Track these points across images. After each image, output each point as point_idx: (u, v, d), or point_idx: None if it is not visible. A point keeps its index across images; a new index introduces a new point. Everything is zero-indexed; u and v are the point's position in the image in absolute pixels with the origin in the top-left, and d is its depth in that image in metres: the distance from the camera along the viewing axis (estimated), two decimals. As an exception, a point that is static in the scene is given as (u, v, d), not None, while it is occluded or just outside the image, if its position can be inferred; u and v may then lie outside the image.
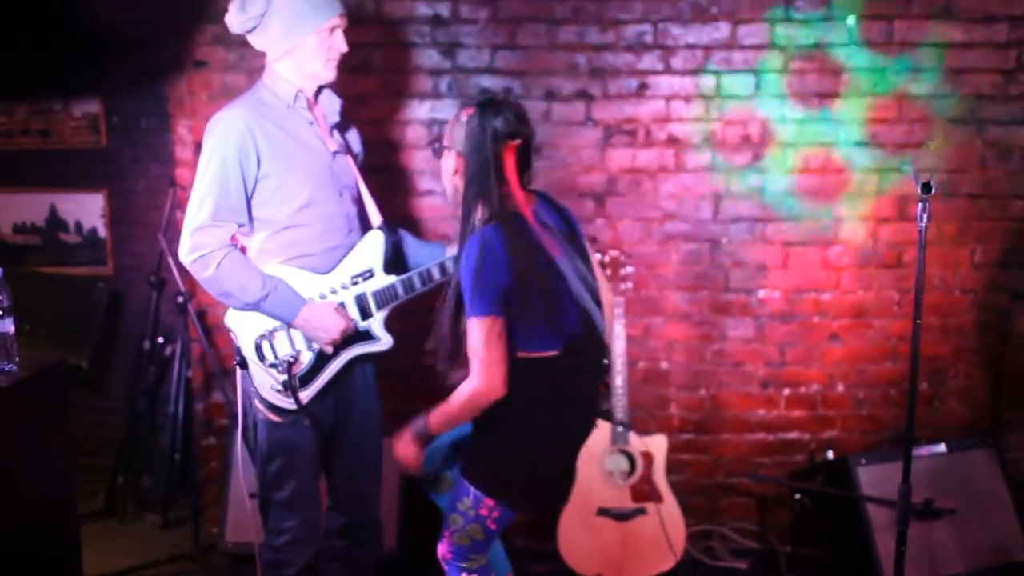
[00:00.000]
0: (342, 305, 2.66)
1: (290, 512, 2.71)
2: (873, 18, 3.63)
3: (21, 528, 2.68)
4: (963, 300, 3.82)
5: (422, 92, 3.72)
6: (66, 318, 4.01)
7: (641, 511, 3.46)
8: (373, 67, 3.69)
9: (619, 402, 3.48)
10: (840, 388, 3.87)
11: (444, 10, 3.66)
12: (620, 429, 3.46)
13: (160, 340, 4.07)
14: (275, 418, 2.64)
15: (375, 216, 2.76)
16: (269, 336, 2.60)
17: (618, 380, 3.47)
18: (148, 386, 4.11)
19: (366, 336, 2.70)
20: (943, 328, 3.83)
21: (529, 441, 2.45)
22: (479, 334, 2.29)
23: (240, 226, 2.60)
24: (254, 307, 2.56)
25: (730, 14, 3.64)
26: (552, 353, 2.38)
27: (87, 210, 4.15)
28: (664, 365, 3.87)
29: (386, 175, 3.71)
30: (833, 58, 3.66)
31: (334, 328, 2.59)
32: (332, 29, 2.58)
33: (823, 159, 3.73)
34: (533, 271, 2.32)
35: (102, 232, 4.15)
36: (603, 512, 3.46)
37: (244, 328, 2.62)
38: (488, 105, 2.39)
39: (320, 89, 2.69)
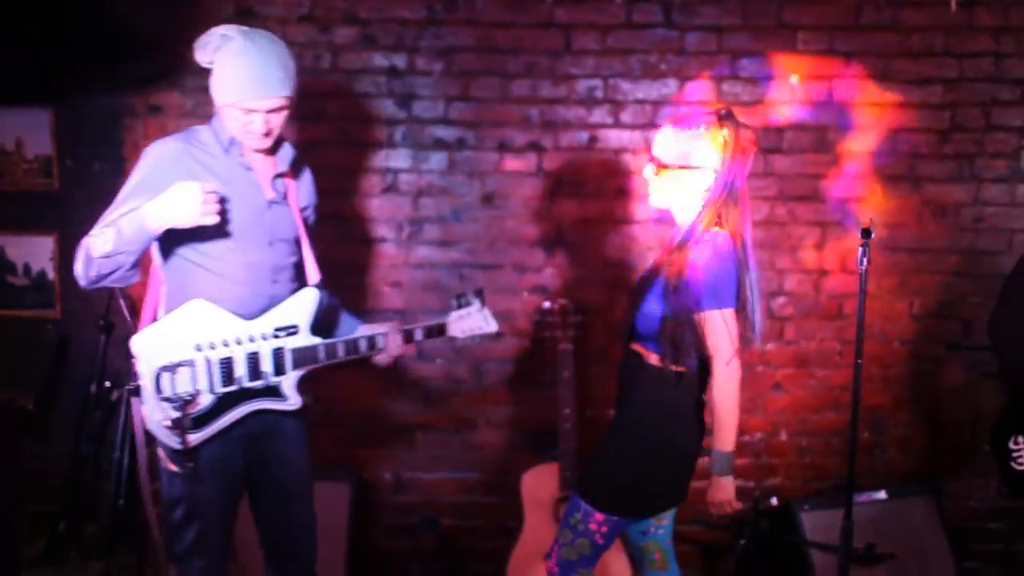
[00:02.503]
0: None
1: (193, 560, 2.56)
2: (814, 78, 3.77)
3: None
4: (902, 351, 3.93)
5: (377, 141, 3.78)
6: (12, 360, 3.97)
7: (589, 558, 3.47)
8: (327, 116, 3.75)
9: (569, 450, 3.52)
10: (783, 436, 3.94)
11: (400, 62, 3.74)
12: (568, 474, 3.50)
13: (107, 384, 4.02)
14: (173, 468, 2.48)
15: (313, 273, 2.65)
16: (172, 369, 2.41)
17: (566, 426, 3.51)
18: (93, 431, 4.04)
19: (274, 392, 2.56)
20: (883, 378, 3.93)
21: (655, 453, 2.66)
22: (725, 324, 2.45)
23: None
24: (122, 247, 2.39)
25: (678, 71, 3.77)
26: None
27: (36, 253, 4.10)
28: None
29: (338, 222, 3.75)
30: (776, 115, 3.80)
31: (187, 199, 2.30)
32: (248, 111, 2.46)
33: (767, 213, 3.84)
34: (746, 286, 2.48)
35: (51, 275, 4.11)
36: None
37: (149, 355, 2.42)
38: (737, 122, 2.48)
39: None
